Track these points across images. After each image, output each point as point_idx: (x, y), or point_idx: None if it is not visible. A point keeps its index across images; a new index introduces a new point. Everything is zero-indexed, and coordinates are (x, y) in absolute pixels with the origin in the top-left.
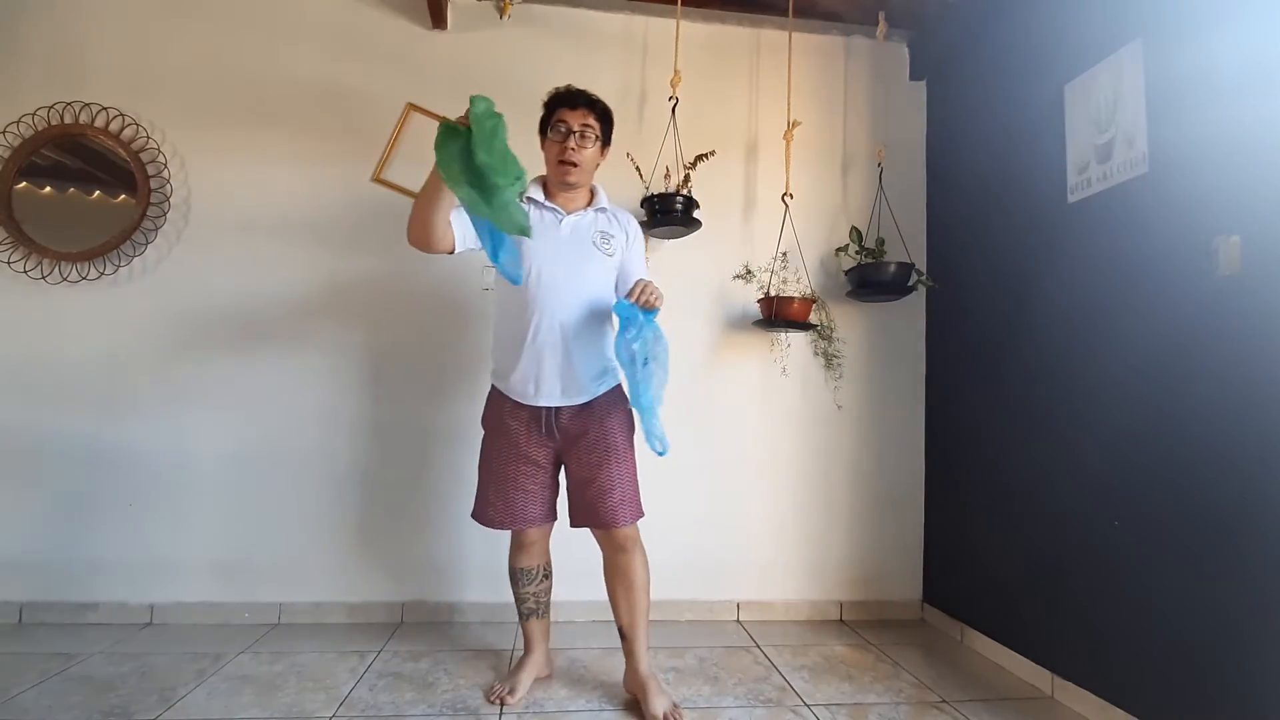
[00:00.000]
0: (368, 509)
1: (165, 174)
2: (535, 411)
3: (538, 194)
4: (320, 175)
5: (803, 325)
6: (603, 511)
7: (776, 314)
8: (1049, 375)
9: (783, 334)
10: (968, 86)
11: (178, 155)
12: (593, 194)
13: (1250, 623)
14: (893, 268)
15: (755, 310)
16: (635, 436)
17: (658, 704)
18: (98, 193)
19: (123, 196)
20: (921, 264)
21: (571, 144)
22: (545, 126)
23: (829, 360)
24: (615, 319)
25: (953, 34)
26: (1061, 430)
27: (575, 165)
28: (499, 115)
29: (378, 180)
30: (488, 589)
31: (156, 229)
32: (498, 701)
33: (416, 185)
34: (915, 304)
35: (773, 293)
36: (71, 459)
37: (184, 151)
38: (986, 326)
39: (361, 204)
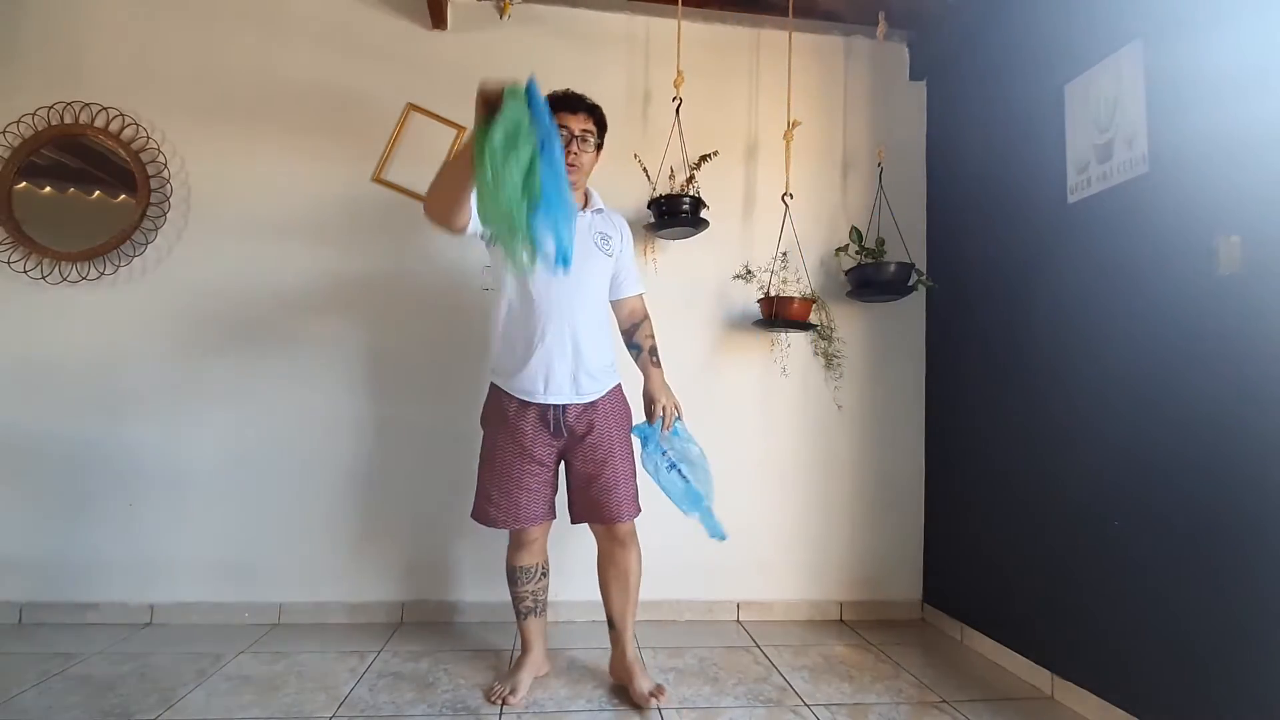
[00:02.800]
0: (368, 509)
1: (165, 174)
2: (542, 409)
3: None
4: (320, 175)
5: (803, 325)
6: (608, 507)
7: (776, 314)
8: (1049, 375)
9: (783, 334)
10: (968, 86)
11: (178, 155)
12: (587, 196)
13: (1250, 622)
14: (893, 268)
15: (755, 310)
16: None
17: (643, 684)
18: (98, 193)
19: (123, 196)
20: (921, 264)
21: (574, 148)
22: None
23: (829, 360)
24: (636, 440)
25: (953, 34)
26: (1061, 430)
27: (576, 168)
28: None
29: (378, 180)
30: (488, 589)
31: (156, 229)
32: (499, 702)
33: (416, 185)
34: (915, 304)
35: (773, 293)
36: (71, 459)
37: (184, 151)
38: (986, 326)
39: (361, 204)
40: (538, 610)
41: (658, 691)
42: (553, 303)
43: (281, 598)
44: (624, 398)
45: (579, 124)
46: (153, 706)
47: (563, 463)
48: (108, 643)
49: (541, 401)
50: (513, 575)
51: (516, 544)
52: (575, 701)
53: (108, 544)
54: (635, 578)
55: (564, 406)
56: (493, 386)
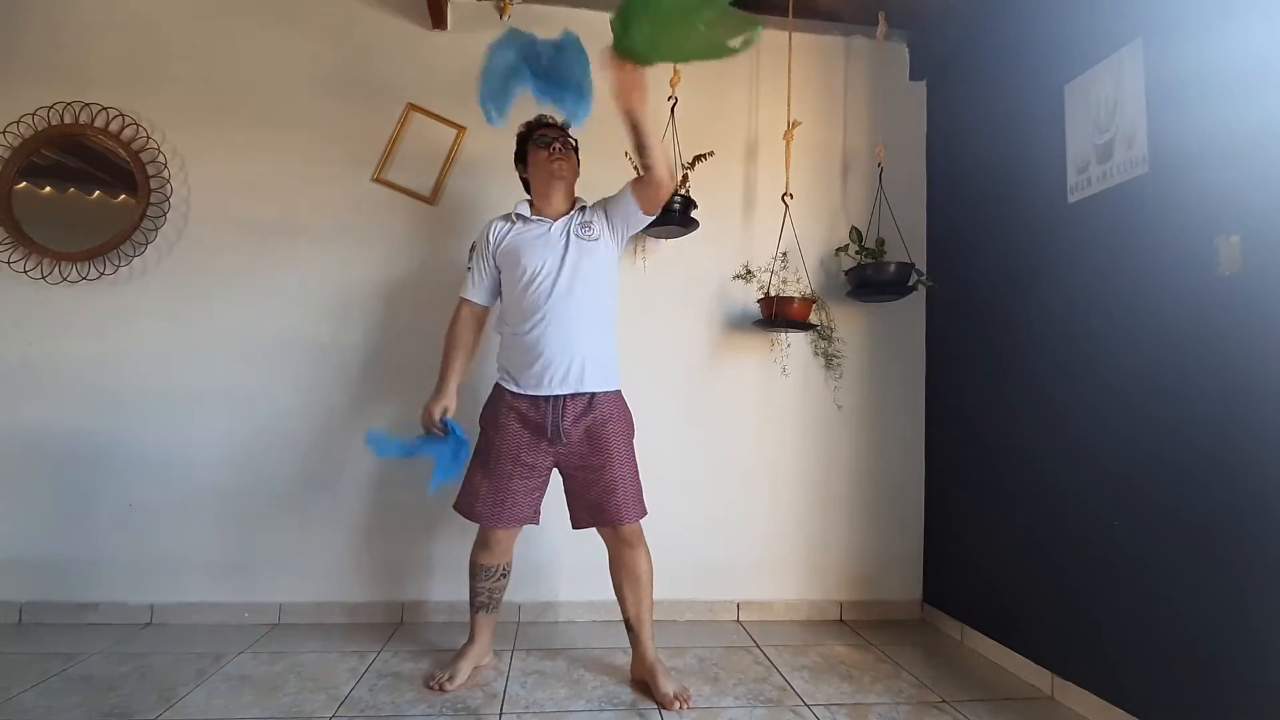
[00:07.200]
0: (368, 509)
1: (165, 174)
2: (542, 411)
3: (525, 213)
4: (320, 175)
5: (803, 325)
6: (609, 510)
7: (776, 314)
8: (1049, 375)
9: (783, 334)
10: (968, 86)
11: (178, 155)
12: (574, 204)
13: (1250, 622)
14: (893, 268)
15: (755, 310)
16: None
17: (668, 685)
18: (98, 193)
19: (123, 196)
20: (921, 264)
21: (558, 145)
22: (523, 150)
23: (829, 360)
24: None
25: (953, 34)
26: (1061, 430)
27: (565, 161)
28: None
29: (378, 180)
30: None
31: (156, 229)
32: (437, 688)
33: (417, 185)
34: (915, 304)
35: (773, 293)
36: (71, 459)
37: (184, 151)
38: (986, 326)
39: (361, 204)
40: (490, 607)
41: (683, 694)
42: (548, 304)
43: (281, 598)
44: (624, 404)
45: (555, 132)
46: (153, 706)
47: (559, 471)
48: (108, 643)
49: (544, 395)
50: (474, 571)
51: (483, 543)
52: (575, 701)
53: (108, 544)
54: (647, 578)
55: (563, 408)
56: (496, 386)
